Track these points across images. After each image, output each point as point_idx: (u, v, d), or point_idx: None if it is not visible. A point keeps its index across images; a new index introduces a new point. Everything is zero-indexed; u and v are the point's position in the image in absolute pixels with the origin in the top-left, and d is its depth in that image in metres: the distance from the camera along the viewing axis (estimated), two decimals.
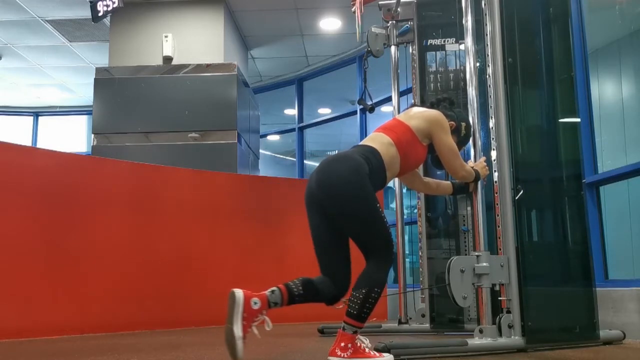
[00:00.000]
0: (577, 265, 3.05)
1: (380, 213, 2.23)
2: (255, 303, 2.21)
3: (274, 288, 2.28)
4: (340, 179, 2.24)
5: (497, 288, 2.71)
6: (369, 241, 2.24)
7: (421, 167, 2.79)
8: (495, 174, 2.80)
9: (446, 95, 2.79)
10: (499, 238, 2.77)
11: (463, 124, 2.67)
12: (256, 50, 7.47)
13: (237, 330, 2.13)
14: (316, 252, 2.38)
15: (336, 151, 2.46)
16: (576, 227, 3.11)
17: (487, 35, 2.93)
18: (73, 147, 9.06)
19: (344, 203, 2.23)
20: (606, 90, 4.81)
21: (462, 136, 2.68)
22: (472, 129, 2.80)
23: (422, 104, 3.09)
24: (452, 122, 2.62)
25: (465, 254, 3.45)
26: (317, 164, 2.46)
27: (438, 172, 3.69)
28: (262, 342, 3.22)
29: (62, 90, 8.85)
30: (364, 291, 2.15)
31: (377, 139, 2.44)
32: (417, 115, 2.53)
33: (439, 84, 3.93)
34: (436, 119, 2.51)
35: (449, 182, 2.87)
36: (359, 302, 2.15)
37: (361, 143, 2.47)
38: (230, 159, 5.67)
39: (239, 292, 2.20)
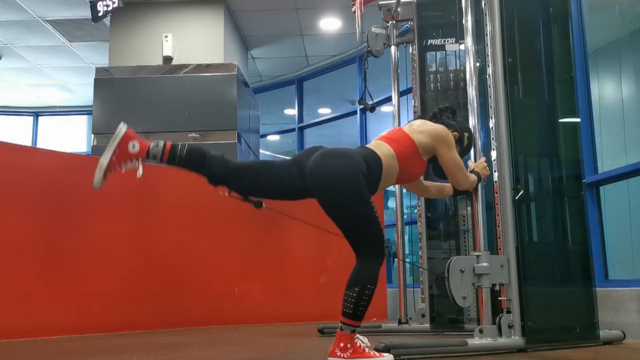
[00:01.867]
0: (577, 265, 3.05)
1: (373, 210, 2.22)
2: (134, 146, 2.17)
3: (162, 141, 2.22)
4: (336, 174, 2.21)
5: (497, 288, 2.71)
6: (361, 237, 2.22)
7: None
8: (495, 174, 2.80)
9: (448, 105, 2.78)
10: (499, 238, 2.77)
11: (466, 134, 2.67)
12: (256, 50, 7.47)
13: (104, 159, 2.12)
14: (259, 167, 2.36)
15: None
16: (576, 227, 3.11)
17: (487, 35, 2.93)
18: (73, 147, 9.05)
19: (338, 198, 2.21)
20: (606, 90, 4.81)
21: (464, 146, 2.68)
22: (473, 138, 2.80)
23: (423, 114, 3.07)
24: (456, 133, 2.61)
25: (465, 254, 3.45)
26: None
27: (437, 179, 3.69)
28: (262, 342, 3.22)
29: (62, 90, 8.86)
30: (357, 289, 2.14)
31: (381, 148, 2.41)
32: (422, 130, 2.50)
33: (439, 84, 3.93)
34: (441, 135, 2.50)
35: (449, 184, 2.87)
36: (353, 300, 2.14)
37: (366, 146, 2.45)
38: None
39: (123, 127, 2.17)
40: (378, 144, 2.46)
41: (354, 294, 2.14)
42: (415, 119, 2.80)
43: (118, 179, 4.43)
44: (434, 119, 2.68)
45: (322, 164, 2.24)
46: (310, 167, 2.25)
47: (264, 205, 2.33)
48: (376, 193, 2.41)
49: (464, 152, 2.70)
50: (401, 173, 2.44)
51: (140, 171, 2.15)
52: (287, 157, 2.86)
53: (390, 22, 4.02)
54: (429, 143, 2.47)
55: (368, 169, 2.28)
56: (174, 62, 6.05)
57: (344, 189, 2.20)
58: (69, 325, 3.75)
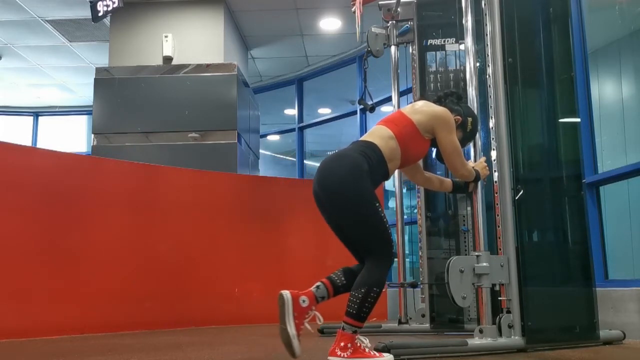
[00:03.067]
0: (577, 265, 3.05)
1: (379, 212, 2.23)
2: (304, 301, 2.25)
3: (319, 283, 2.33)
4: (337, 179, 2.23)
5: (497, 288, 2.71)
6: (368, 241, 2.24)
7: (420, 162, 2.76)
8: (495, 174, 2.80)
9: (454, 90, 2.76)
10: (499, 238, 2.77)
11: (469, 119, 2.64)
12: (256, 50, 7.47)
13: (291, 329, 2.20)
14: (343, 244, 2.41)
15: (336, 150, 2.44)
16: (576, 227, 3.11)
17: (487, 35, 2.93)
18: (73, 147, 9.05)
19: (342, 203, 2.24)
20: (606, 90, 4.80)
21: (467, 131, 2.64)
22: (478, 124, 2.77)
23: (426, 97, 3.08)
24: (458, 117, 2.58)
25: (465, 254, 3.45)
26: (317, 164, 2.46)
27: (438, 172, 3.69)
28: (262, 342, 3.22)
29: (62, 90, 8.85)
30: (363, 291, 2.16)
31: (376, 133, 2.43)
32: (422, 110, 2.50)
33: (439, 84, 3.93)
34: (441, 115, 2.48)
35: (449, 179, 2.86)
36: (358, 301, 2.15)
37: (361, 138, 2.45)
38: (230, 159, 5.67)
39: (287, 294, 2.24)
40: (375, 129, 2.47)
41: (360, 295, 2.15)
42: (417, 99, 2.77)
43: (118, 179, 4.45)
44: (438, 102, 2.66)
45: (324, 173, 2.29)
46: (317, 181, 2.31)
47: None
48: (389, 179, 2.46)
49: (467, 138, 2.68)
50: (404, 153, 2.43)
51: (320, 316, 2.29)
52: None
53: (390, 22, 4.02)
54: (427, 123, 2.46)
55: (369, 163, 2.28)
56: (174, 62, 6.05)
57: (348, 193, 2.23)
58: (69, 325, 3.75)
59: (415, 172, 2.77)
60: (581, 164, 3.27)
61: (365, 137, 2.43)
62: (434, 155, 2.75)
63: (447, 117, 2.50)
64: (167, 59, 6.08)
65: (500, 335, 2.63)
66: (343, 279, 2.31)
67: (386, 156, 2.36)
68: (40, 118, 9.68)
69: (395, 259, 2.54)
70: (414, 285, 3.81)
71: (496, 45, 2.89)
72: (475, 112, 2.88)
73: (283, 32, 6.98)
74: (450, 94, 2.71)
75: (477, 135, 2.85)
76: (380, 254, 2.23)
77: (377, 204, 2.24)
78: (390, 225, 2.31)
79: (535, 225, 3.03)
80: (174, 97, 5.79)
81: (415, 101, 2.71)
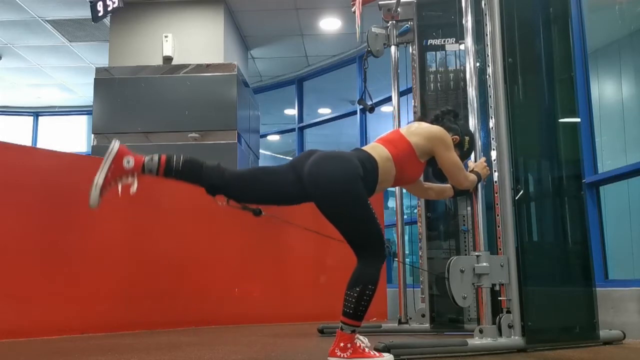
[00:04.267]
0: (577, 265, 3.05)
1: (371, 211, 2.22)
2: (128, 162, 2.17)
3: (155, 155, 2.20)
4: (334, 177, 2.22)
5: (497, 288, 2.71)
6: (361, 239, 2.23)
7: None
8: (495, 174, 2.80)
9: (450, 108, 2.76)
10: (499, 238, 2.77)
11: (467, 138, 2.65)
12: (256, 50, 7.47)
13: (99, 177, 2.12)
14: (256, 173, 2.37)
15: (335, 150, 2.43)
16: (576, 227, 3.11)
17: (487, 35, 2.93)
18: (73, 147, 9.06)
19: (336, 202, 2.22)
20: (606, 90, 4.80)
21: (465, 150, 2.65)
22: (475, 142, 2.78)
23: (424, 117, 3.07)
24: (456, 137, 2.59)
25: (465, 254, 3.45)
26: None
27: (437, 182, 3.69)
28: (262, 342, 3.22)
29: (62, 90, 8.86)
30: (357, 289, 2.15)
31: (377, 150, 2.42)
32: (419, 132, 2.49)
33: (439, 84, 3.93)
34: (438, 136, 2.49)
35: (449, 185, 2.86)
36: (354, 300, 2.15)
37: (362, 148, 2.45)
38: (230, 159, 5.67)
39: (116, 144, 2.15)
40: (374, 146, 2.46)
41: (355, 294, 2.15)
42: (415, 120, 2.79)
43: None
44: (436, 122, 2.66)
45: (319, 167, 2.25)
46: (308, 171, 2.25)
47: (263, 213, 2.34)
48: (374, 195, 2.42)
49: (464, 156, 2.69)
50: (398, 175, 2.43)
51: (134, 186, 2.16)
52: (287, 158, 2.88)
53: (390, 22, 4.02)
54: (425, 145, 2.46)
55: (365, 172, 2.28)
56: (174, 62, 6.05)
57: (342, 192, 2.21)
58: (69, 325, 3.75)
59: (413, 186, 2.77)
60: (581, 164, 3.27)
61: (367, 149, 2.43)
62: (431, 173, 2.76)
63: (444, 136, 2.51)
64: (167, 59, 6.08)
65: (500, 335, 2.63)
66: (181, 165, 2.19)
67: (380, 176, 2.36)
68: (40, 118, 9.69)
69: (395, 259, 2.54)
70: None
71: (496, 45, 2.89)
72: (475, 112, 2.89)
73: (283, 32, 6.98)
74: (447, 112, 2.70)
75: (477, 135, 2.85)
76: (372, 252, 2.22)
77: (369, 203, 2.24)
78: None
79: (535, 225, 3.03)
80: (174, 97, 5.79)
81: (411, 122, 2.71)
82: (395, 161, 2.41)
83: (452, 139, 2.55)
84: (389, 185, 2.47)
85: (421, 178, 2.78)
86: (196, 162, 2.24)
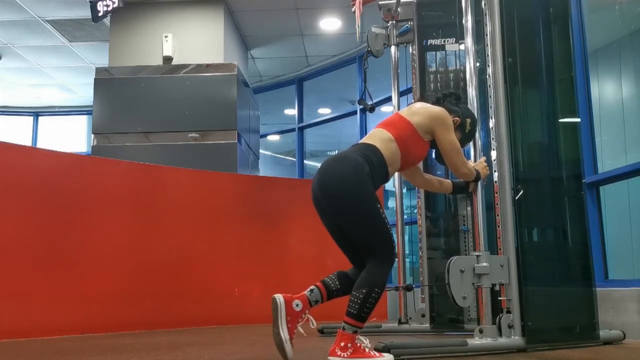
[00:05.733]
0: (577, 265, 3.05)
1: (380, 213, 2.23)
2: (297, 305, 2.26)
3: (313, 287, 2.33)
4: (339, 180, 2.24)
5: (497, 288, 2.71)
6: (370, 242, 2.25)
7: (421, 164, 2.77)
8: (495, 174, 2.80)
9: (452, 91, 2.76)
10: (499, 238, 2.77)
11: (468, 120, 2.64)
12: (256, 50, 7.47)
13: (284, 333, 2.21)
14: (339, 247, 2.42)
15: (336, 151, 2.45)
16: (576, 227, 3.11)
17: (487, 35, 2.92)
18: (73, 147, 9.06)
19: (343, 204, 2.24)
20: (606, 90, 4.80)
21: (466, 132, 2.64)
22: (477, 125, 2.77)
23: (424, 99, 3.08)
24: (457, 118, 2.59)
25: (465, 254, 3.45)
26: (317, 164, 2.46)
27: (438, 172, 3.69)
28: (262, 342, 3.22)
29: (62, 90, 8.85)
30: (364, 291, 2.16)
31: (376, 136, 2.43)
32: (420, 112, 2.50)
33: (439, 84, 3.93)
34: (439, 115, 2.48)
35: (449, 180, 2.87)
36: (359, 302, 2.16)
37: (361, 141, 2.45)
38: (230, 159, 5.67)
39: (279, 297, 2.24)
40: (374, 132, 2.47)
41: (361, 296, 2.16)
42: (415, 101, 2.78)
43: (118, 179, 4.46)
44: (437, 103, 2.66)
45: (326, 173, 2.29)
46: (319, 180, 2.30)
47: None
48: (388, 182, 2.47)
49: (466, 139, 2.69)
50: (404, 156, 2.43)
51: (314, 321, 2.34)
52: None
53: (390, 22, 4.02)
54: (427, 124, 2.46)
55: (371, 166, 2.28)
56: (174, 62, 6.05)
57: (350, 195, 2.23)
58: (69, 325, 3.75)
59: (414, 174, 2.78)
60: (581, 163, 3.27)
61: (365, 140, 2.43)
62: (433, 156, 2.75)
63: (445, 116, 2.50)
64: (167, 59, 6.08)
65: (500, 335, 2.63)
66: (337, 283, 2.32)
67: (387, 159, 2.37)
68: (40, 118, 9.68)
69: (396, 259, 2.54)
70: (408, 289, 3.83)
71: (496, 45, 2.89)
72: (475, 112, 2.89)
73: (283, 32, 6.98)
74: (449, 94, 2.71)
75: (477, 135, 2.85)
76: (381, 255, 2.23)
77: (378, 205, 2.24)
78: (390, 225, 2.31)
79: (535, 225, 3.03)
80: (173, 97, 5.80)
81: (413, 102, 2.71)
82: (398, 141, 2.40)
83: (453, 120, 2.55)
84: (399, 166, 2.46)
85: (421, 166, 2.76)
86: (345, 275, 2.38)
